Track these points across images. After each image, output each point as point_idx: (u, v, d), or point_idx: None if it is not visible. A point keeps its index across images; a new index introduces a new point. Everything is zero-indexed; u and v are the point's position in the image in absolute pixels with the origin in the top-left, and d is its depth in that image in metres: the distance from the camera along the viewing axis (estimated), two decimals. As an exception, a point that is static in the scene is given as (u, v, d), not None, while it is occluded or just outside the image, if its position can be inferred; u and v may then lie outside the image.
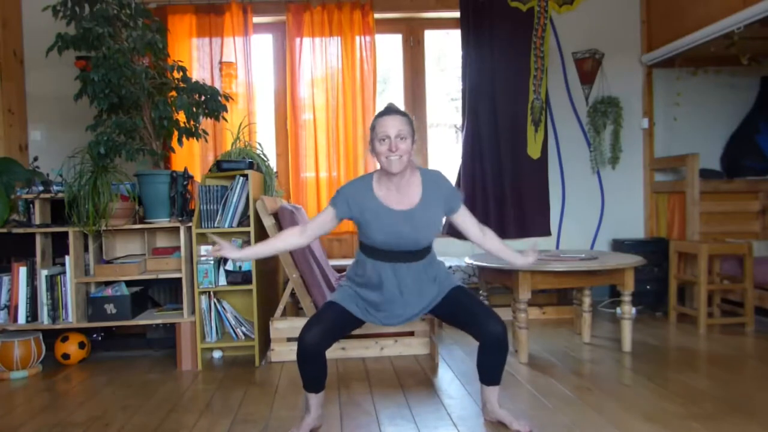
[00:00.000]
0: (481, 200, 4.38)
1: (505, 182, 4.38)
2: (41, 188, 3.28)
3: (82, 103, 3.49)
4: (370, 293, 2.23)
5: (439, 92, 4.81)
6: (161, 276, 3.26)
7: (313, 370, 2.17)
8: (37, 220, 3.27)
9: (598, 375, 2.89)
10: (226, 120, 3.89)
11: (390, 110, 2.13)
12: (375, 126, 2.11)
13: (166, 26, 4.12)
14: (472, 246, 4.39)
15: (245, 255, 2.33)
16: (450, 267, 4.09)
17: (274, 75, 4.57)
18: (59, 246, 3.33)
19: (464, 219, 2.27)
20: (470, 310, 2.20)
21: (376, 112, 2.18)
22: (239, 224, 3.25)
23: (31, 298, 3.26)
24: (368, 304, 2.24)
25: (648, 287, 4.21)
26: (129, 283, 3.44)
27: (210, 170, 3.49)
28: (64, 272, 3.24)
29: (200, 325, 3.24)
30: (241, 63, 4.33)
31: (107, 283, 3.39)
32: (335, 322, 2.18)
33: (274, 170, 3.89)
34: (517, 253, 2.38)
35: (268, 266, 3.61)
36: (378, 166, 2.17)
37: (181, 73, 3.59)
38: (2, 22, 4.07)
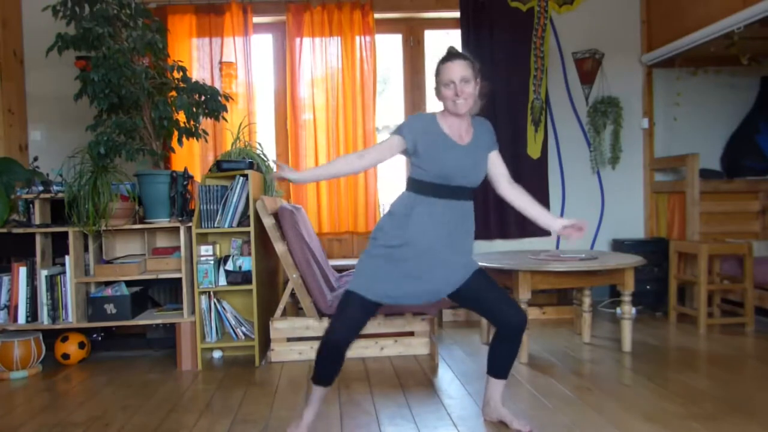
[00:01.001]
0: (481, 200, 4.38)
1: (505, 182, 4.38)
2: (41, 188, 3.28)
3: (82, 103, 3.49)
4: (405, 251, 2.10)
5: (439, 92, 4.80)
6: (161, 276, 3.26)
7: (332, 365, 2.14)
8: (37, 220, 3.27)
9: (598, 375, 2.89)
10: (226, 120, 3.89)
11: (452, 55, 2.16)
12: (439, 71, 2.15)
13: (166, 26, 4.12)
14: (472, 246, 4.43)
15: (305, 177, 2.28)
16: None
17: (274, 75, 4.57)
18: (59, 246, 3.33)
19: (499, 163, 2.28)
20: (493, 296, 2.18)
21: (440, 59, 2.20)
22: (239, 224, 3.25)
23: (31, 298, 3.26)
24: (400, 274, 2.11)
25: (648, 287, 4.21)
26: (129, 283, 3.44)
27: (210, 170, 3.49)
28: (64, 272, 3.24)
29: (200, 325, 3.24)
30: (241, 63, 4.33)
31: (107, 283, 3.39)
32: (360, 315, 2.12)
33: (274, 170, 3.89)
34: (550, 214, 2.36)
35: (268, 266, 3.61)
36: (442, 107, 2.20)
37: (181, 73, 3.59)
38: (2, 22, 4.07)
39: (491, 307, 2.19)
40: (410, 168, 2.21)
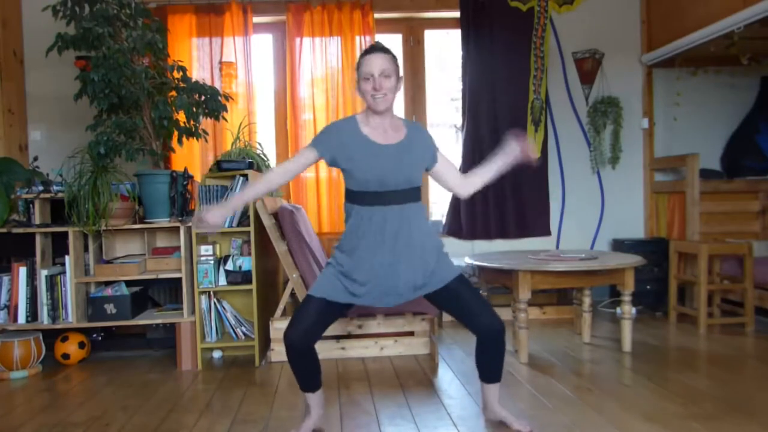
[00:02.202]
0: (481, 200, 4.38)
1: (505, 182, 4.38)
2: (41, 188, 3.28)
3: (82, 103, 3.49)
4: (358, 265, 2.09)
5: (439, 92, 4.81)
6: (161, 276, 3.26)
7: (304, 368, 2.13)
8: (37, 220, 3.27)
9: (598, 375, 2.89)
10: (226, 120, 3.89)
11: (374, 48, 2.09)
12: (360, 64, 2.09)
13: (166, 26, 4.11)
14: (473, 246, 4.44)
15: (230, 206, 2.19)
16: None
17: (274, 75, 4.57)
18: (59, 246, 3.33)
19: (445, 170, 2.25)
20: (469, 303, 2.15)
21: (362, 52, 2.14)
22: (239, 224, 3.25)
23: (31, 298, 3.25)
24: (353, 282, 2.10)
25: (648, 287, 4.21)
26: (129, 283, 3.44)
27: (210, 170, 3.49)
28: (64, 272, 3.24)
29: (200, 325, 3.24)
30: (241, 63, 4.33)
31: (107, 283, 3.39)
32: (316, 316, 2.09)
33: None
34: (497, 159, 2.31)
35: (268, 266, 3.61)
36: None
37: (181, 73, 3.58)
38: (2, 22, 4.07)
39: (467, 314, 2.16)
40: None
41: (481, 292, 3.56)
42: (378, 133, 2.12)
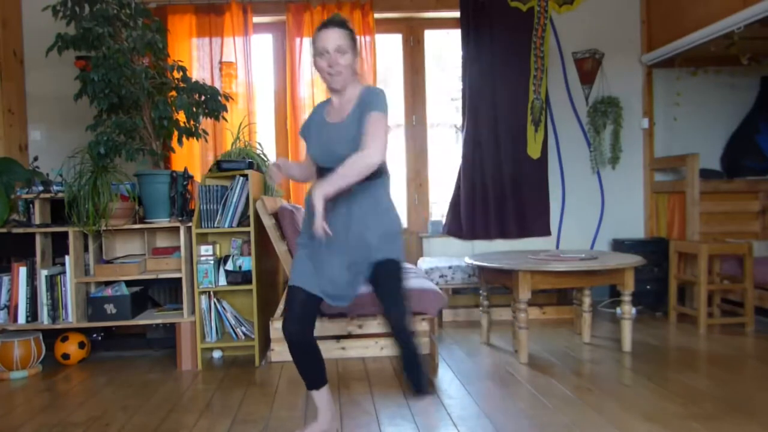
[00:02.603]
0: (481, 200, 4.38)
1: (505, 182, 4.39)
2: (41, 188, 3.28)
3: (82, 103, 3.49)
4: (316, 244, 2.00)
5: (439, 92, 4.80)
6: (161, 276, 3.26)
7: (306, 362, 2.08)
8: (37, 220, 3.27)
9: (598, 375, 2.89)
10: (226, 120, 3.89)
11: (330, 22, 1.99)
12: (315, 39, 1.98)
13: (166, 26, 4.12)
14: (473, 246, 4.44)
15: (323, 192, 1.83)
16: (450, 267, 4.10)
17: (274, 75, 4.57)
18: (59, 246, 3.33)
19: (366, 127, 1.89)
20: (382, 294, 1.98)
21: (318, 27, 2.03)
22: (239, 224, 3.25)
23: (31, 298, 3.25)
24: (314, 265, 2.01)
25: (648, 287, 4.21)
26: (129, 283, 3.44)
27: (210, 170, 3.49)
28: (64, 272, 3.24)
29: (200, 325, 3.24)
30: (241, 63, 4.33)
31: (107, 283, 3.39)
32: (303, 305, 2.02)
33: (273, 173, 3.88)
34: (324, 183, 1.85)
35: (268, 266, 3.61)
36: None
37: (181, 73, 3.58)
38: (2, 22, 4.07)
39: (380, 300, 1.99)
40: None
41: (481, 292, 3.57)
42: (335, 111, 2.05)
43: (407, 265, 3.96)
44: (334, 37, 1.95)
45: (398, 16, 4.56)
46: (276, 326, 3.26)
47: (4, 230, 3.23)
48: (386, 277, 1.99)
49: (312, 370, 2.11)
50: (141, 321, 3.29)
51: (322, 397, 2.14)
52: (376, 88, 2.02)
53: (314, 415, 2.17)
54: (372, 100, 1.93)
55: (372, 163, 1.84)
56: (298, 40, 4.37)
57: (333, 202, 1.93)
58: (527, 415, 2.37)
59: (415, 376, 2.00)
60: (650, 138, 4.63)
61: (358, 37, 2.00)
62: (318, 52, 1.98)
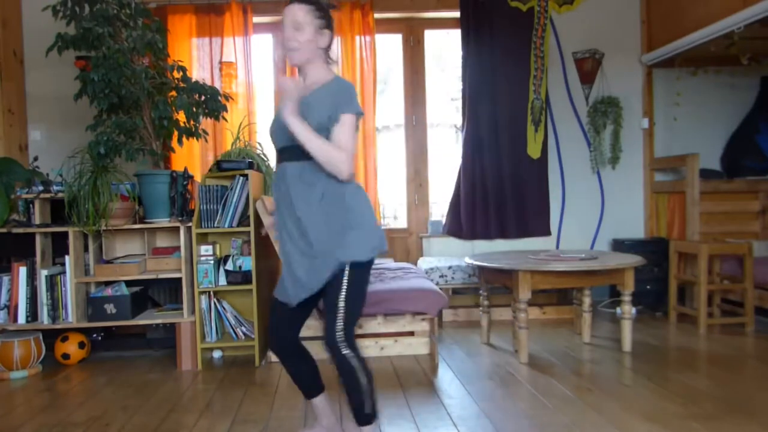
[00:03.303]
0: (481, 200, 4.38)
1: (505, 182, 4.39)
2: (41, 188, 3.28)
3: (82, 103, 3.49)
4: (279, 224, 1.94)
5: (439, 92, 4.81)
6: (161, 276, 3.26)
7: (292, 373, 2.03)
8: (37, 220, 3.27)
9: (598, 375, 2.89)
10: (226, 120, 3.89)
11: None
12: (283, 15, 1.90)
13: (166, 26, 4.12)
14: (473, 246, 4.44)
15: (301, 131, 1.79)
16: (450, 267, 4.09)
17: (274, 75, 4.57)
18: (59, 246, 3.33)
19: (335, 132, 1.80)
20: (327, 303, 1.86)
21: None
22: (239, 224, 3.25)
23: (31, 298, 3.25)
24: (284, 260, 1.92)
25: (648, 287, 4.21)
26: (129, 283, 3.43)
27: (210, 170, 3.49)
28: (64, 272, 3.24)
29: (200, 325, 3.24)
30: (241, 63, 4.33)
31: (107, 283, 3.39)
32: (278, 313, 1.96)
33: (274, 170, 3.88)
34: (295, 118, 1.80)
35: (268, 266, 3.61)
36: None
37: (181, 73, 3.59)
38: (2, 22, 4.07)
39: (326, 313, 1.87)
40: None
41: (481, 292, 3.57)
42: (299, 91, 1.88)
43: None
44: (291, 12, 1.86)
45: (398, 16, 4.56)
46: (276, 326, 3.26)
47: (4, 230, 3.23)
48: (333, 288, 1.84)
49: (304, 378, 2.05)
50: (141, 321, 3.29)
51: (318, 404, 2.09)
52: (346, 82, 1.90)
53: (315, 415, 2.18)
54: (343, 100, 1.83)
55: (339, 172, 1.79)
56: (298, 40, 4.36)
57: (284, 178, 1.87)
58: (527, 415, 2.37)
59: (355, 401, 1.85)
60: (650, 138, 4.63)
61: (331, 15, 1.91)
62: (283, 27, 1.89)
